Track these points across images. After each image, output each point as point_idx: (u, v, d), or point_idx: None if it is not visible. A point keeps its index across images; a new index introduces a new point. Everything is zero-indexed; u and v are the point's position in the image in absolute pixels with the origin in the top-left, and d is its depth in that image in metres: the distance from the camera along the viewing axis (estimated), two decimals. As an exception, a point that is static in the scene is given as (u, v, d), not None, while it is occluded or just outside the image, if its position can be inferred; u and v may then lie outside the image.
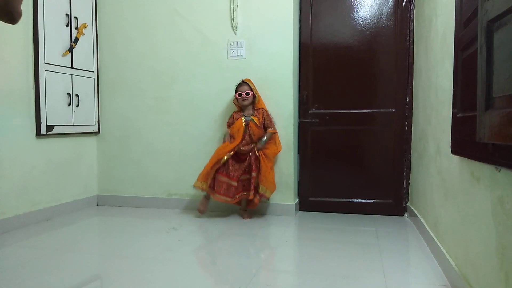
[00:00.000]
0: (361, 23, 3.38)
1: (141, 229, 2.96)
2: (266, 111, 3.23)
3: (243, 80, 3.23)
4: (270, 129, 3.19)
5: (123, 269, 2.14)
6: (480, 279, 1.50)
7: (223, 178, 3.12)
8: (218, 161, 3.11)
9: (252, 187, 3.10)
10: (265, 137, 3.17)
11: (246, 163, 3.16)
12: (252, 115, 3.18)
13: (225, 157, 3.10)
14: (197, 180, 3.14)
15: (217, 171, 3.12)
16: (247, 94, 3.15)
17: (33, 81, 3.03)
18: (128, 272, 2.09)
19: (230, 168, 3.13)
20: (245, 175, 3.16)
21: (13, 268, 2.15)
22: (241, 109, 3.24)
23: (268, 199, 3.25)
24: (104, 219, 3.35)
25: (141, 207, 3.62)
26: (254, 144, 3.17)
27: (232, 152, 3.12)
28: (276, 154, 3.24)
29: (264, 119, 3.19)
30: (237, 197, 3.13)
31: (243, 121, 3.16)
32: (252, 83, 3.22)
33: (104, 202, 3.73)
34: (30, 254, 2.37)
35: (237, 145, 3.11)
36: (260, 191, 3.10)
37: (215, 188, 3.12)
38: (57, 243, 2.62)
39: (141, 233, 2.86)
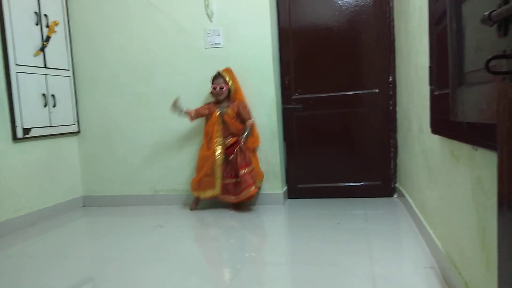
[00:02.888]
0: (339, 2, 3.29)
1: (128, 228, 2.91)
2: (243, 102, 3.15)
3: (219, 72, 3.12)
4: (248, 121, 3.12)
5: (111, 271, 2.10)
6: (465, 260, 1.46)
7: (228, 181, 3.09)
8: (211, 166, 3.06)
9: (252, 181, 3.02)
10: (246, 132, 3.10)
11: (235, 158, 3.06)
12: (227, 106, 3.10)
13: (219, 158, 3.05)
14: (202, 190, 3.11)
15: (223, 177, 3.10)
16: (221, 88, 3.06)
17: (5, 84, 2.92)
18: (116, 274, 2.04)
19: (228, 167, 3.09)
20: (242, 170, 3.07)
21: (0, 277, 2.10)
22: (217, 101, 3.15)
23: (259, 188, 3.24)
24: (90, 220, 3.29)
25: (128, 205, 3.56)
26: (236, 137, 3.11)
27: (221, 151, 3.06)
28: (255, 147, 3.22)
29: (240, 111, 3.10)
30: (241, 196, 3.05)
31: (218, 113, 3.08)
32: (230, 73, 3.14)
33: (90, 202, 3.66)
34: (16, 262, 2.32)
35: (216, 141, 3.06)
36: (257, 184, 3.12)
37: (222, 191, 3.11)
38: (42, 248, 2.56)
39: (129, 232, 2.81)
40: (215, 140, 3.06)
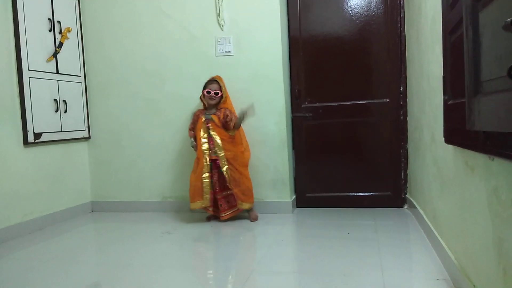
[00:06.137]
0: (350, 12, 3.29)
1: (136, 235, 2.90)
2: (229, 110, 3.04)
3: (213, 78, 3.09)
4: (233, 117, 3.00)
5: (118, 277, 2.08)
6: (479, 273, 1.43)
7: (219, 195, 3.03)
8: (199, 173, 3.00)
9: (227, 206, 3.06)
10: (241, 119, 2.97)
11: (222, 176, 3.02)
12: (213, 113, 3.01)
13: (206, 165, 2.97)
14: (191, 200, 3.01)
15: (214, 193, 3.03)
16: (216, 93, 2.99)
17: (18, 88, 2.96)
18: (123, 280, 2.03)
19: (216, 181, 3.02)
20: (226, 191, 3.05)
21: (7, 281, 2.09)
22: (205, 107, 3.08)
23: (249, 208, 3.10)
24: (98, 226, 3.29)
25: (136, 211, 3.56)
26: (220, 153, 2.97)
27: (208, 159, 2.98)
28: (246, 160, 3.10)
29: (225, 116, 2.98)
30: (230, 212, 3.07)
31: (203, 119, 3.00)
32: (222, 81, 3.08)
33: (98, 208, 3.67)
34: (23, 266, 2.31)
35: (203, 149, 2.98)
36: (239, 206, 3.03)
37: (220, 208, 3.04)
38: (50, 253, 2.55)
39: (137, 238, 2.80)
40: (202, 148, 2.98)
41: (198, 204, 3.00)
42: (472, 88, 1.15)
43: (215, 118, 2.99)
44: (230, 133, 3.03)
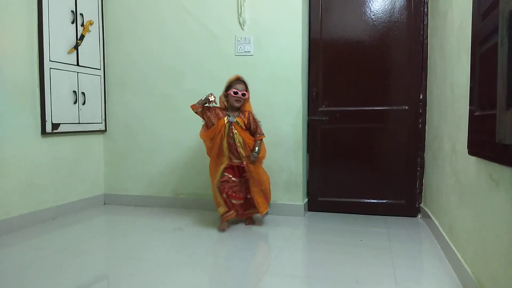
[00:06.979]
0: (372, 17, 3.26)
1: (147, 229, 2.91)
2: (253, 114, 2.83)
3: (238, 77, 2.82)
4: (257, 135, 2.81)
5: (128, 271, 2.09)
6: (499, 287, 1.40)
7: (236, 201, 2.86)
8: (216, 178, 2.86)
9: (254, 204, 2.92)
10: (257, 148, 2.78)
11: (243, 180, 2.88)
12: (236, 116, 2.79)
13: (220, 169, 2.82)
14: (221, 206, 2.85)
15: (228, 195, 2.82)
16: (243, 95, 2.76)
17: (38, 79, 2.99)
18: (132, 275, 2.03)
19: (233, 186, 2.85)
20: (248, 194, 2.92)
21: (17, 269, 2.11)
22: (226, 108, 2.84)
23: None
24: (110, 219, 3.31)
25: (148, 206, 3.57)
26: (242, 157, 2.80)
27: (223, 165, 2.81)
28: (263, 159, 2.92)
29: (250, 123, 2.79)
30: (246, 213, 2.99)
31: (226, 121, 2.76)
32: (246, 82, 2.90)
33: (111, 201, 3.69)
34: (34, 255, 2.33)
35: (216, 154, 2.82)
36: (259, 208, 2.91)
37: (239, 211, 2.94)
38: (62, 243, 2.57)
39: (148, 233, 2.81)
40: (223, 152, 2.80)
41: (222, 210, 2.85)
42: (505, 101, 1.12)
43: (240, 121, 2.77)
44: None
